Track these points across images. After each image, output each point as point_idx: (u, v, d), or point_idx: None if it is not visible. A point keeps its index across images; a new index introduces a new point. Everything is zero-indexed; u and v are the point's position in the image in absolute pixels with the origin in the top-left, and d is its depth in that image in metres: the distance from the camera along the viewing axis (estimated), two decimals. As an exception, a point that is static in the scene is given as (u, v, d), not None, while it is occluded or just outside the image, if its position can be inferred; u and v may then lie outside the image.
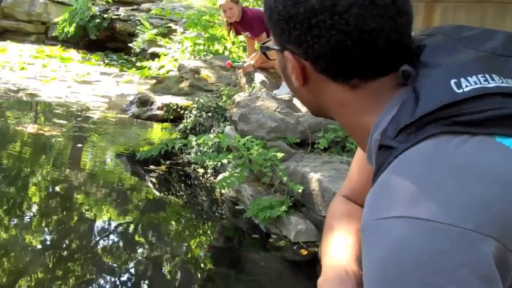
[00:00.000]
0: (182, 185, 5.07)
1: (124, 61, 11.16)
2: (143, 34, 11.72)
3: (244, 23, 5.66)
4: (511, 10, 13.92)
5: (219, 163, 4.41)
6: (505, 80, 0.74)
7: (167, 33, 12.52)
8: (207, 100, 5.56)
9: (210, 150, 4.38)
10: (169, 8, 13.11)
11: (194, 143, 4.68)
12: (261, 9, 5.62)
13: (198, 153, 4.64)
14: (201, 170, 5.02)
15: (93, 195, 4.71)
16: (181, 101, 5.90)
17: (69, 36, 11.50)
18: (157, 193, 4.91)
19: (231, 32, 5.98)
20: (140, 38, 11.48)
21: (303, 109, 4.91)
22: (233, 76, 5.99)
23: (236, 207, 4.41)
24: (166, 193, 4.91)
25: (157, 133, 6.49)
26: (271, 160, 3.94)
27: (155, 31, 11.97)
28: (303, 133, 4.59)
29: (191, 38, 7.04)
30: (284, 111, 4.65)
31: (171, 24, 10.78)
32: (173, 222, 4.52)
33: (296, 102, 4.99)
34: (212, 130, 5.40)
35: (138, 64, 10.48)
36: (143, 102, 6.11)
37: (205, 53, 6.98)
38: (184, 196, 4.94)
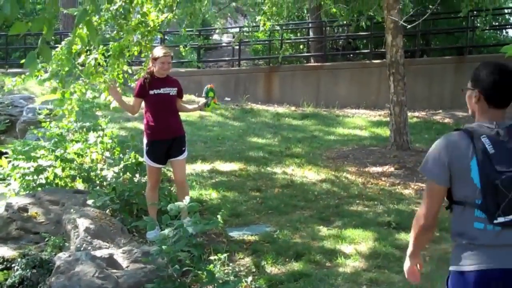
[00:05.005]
0: None
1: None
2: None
3: (170, 80, 6.19)
4: (342, 74, 15.05)
5: None
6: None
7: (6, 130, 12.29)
8: (32, 254, 5.60)
9: None
10: (7, 102, 12.90)
11: None
12: None
13: None
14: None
15: None
16: (7, 252, 5.88)
17: None
18: None
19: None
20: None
21: (124, 263, 5.13)
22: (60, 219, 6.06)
23: None
24: None
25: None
26: None
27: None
28: (123, 295, 4.79)
29: (19, 168, 7.03)
30: (102, 275, 4.82)
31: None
32: None
33: (117, 257, 5.18)
34: (38, 287, 5.45)
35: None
36: (-32, 255, 6.02)
37: (33, 184, 6.98)
38: None
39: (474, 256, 2.64)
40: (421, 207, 2.79)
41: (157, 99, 6.07)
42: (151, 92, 6.02)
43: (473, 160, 2.58)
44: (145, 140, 6.18)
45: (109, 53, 7.04)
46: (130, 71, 7.74)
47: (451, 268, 2.77)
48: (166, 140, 6.10)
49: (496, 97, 2.70)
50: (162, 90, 6.07)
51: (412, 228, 2.87)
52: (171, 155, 6.15)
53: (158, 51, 6.07)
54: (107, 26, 7.42)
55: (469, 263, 2.66)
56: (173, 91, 6.14)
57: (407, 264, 3.02)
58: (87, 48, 7.04)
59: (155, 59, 6.03)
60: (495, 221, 2.57)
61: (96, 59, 6.74)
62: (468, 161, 2.59)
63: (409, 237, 2.97)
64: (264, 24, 12.37)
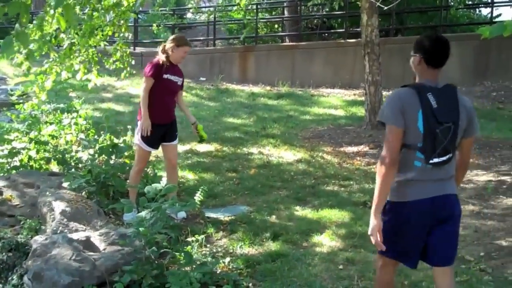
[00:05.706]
0: None
1: None
2: None
3: (179, 70, 6.18)
4: (317, 53, 15.00)
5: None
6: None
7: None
8: (7, 238, 5.56)
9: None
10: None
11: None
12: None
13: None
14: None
15: None
16: (-19, 235, 5.83)
17: None
18: None
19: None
20: None
21: (101, 246, 5.11)
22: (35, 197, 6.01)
23: None
24: None
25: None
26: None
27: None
28: (100, 278, 4.78)
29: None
30: (79, 258, 4.80)
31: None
32: None
33: (94, 239, 5.16)
34: (15, 270, 5.42)
35: None
36: None
37: (8, 167, 6.90)
38: None
39: (410, 191, 3.28)
40: (384, 150, 3.24)
41: (167, 85, 6.05)
42: (165, 76, 5.99)
43: (420, 112, 3.17)
44: (139, 123, 6.07)
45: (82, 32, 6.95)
46: (106, 49, 7.64)
47: (389, 199, 3.37)
48: (164, 124, 6.11)
49: (433, 59, 3.30)
50: (173, 78, 6.09)
51: (378, 172, 3.27)
52: (166, 140, 6.20)
53: (185, 41, 6.09)
54: (82, 8, 7.31)
55: (405, 196, 3.30)
56: (180, 81, 6.19)
57: (373, 223, 3.35)
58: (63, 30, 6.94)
59: (178, 46, 5.98)
60: (430, 161, 3.21)
61: (73, 43, 6.66)
62: (416, 112, 3.18)
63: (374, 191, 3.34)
64: (239, 4, 12.28)
